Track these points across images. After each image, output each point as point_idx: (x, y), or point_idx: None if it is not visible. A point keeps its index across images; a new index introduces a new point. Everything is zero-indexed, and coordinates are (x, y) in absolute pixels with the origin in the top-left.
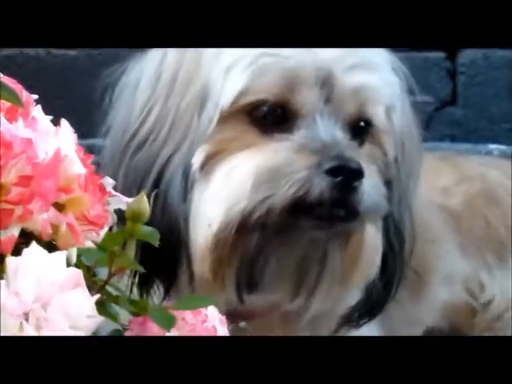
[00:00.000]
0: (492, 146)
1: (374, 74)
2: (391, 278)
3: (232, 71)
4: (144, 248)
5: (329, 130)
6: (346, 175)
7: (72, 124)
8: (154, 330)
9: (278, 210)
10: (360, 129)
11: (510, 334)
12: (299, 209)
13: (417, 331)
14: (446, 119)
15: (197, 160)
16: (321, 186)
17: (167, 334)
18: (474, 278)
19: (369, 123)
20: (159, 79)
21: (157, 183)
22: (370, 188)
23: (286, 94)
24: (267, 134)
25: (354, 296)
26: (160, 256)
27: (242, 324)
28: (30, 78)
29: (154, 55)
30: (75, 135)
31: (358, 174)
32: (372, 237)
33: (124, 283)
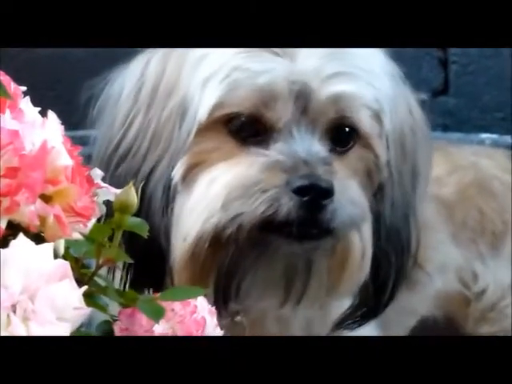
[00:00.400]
0: (484, 136)
1: (354, 81)
2: (384, 283)
3: (208, 84)
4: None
5: (305, 143)
6: (314, 194)
7: (63, 115)
8: (143, 321)
9: (248, 228)
10: (345, 134)
11: (504, 324)
12: (269, 227)
13: (411, 321)
14: (438, 109)
15: (177, 172)
16: (288, 205)
17: (157, 334)
18: (467, 267)
19: (355, 129)
20: (141, 90)
21: (140, 196)
22: (345, 202)
23: (259, 108)
24: (245, 146)
25: (346, 301)
26: (145, 267)
27: (238, 318)
28: (22, 68)
29: (136, 66)
30: (63, 126)
31: (327, 192)
32: (357, 243)
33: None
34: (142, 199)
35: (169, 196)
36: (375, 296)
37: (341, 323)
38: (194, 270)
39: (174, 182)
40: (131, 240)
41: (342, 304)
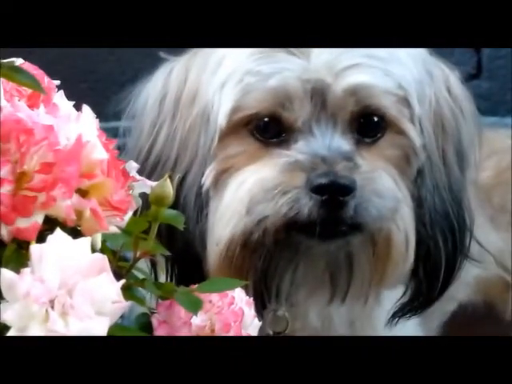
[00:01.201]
0: None
1: (369, 71)
2: (436, 268)
3: (224, 89)
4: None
5: (326, 140)
6: (333, 192)
7: (96, 107)
8: (181, 313)
9: (273, 231)
10: (372, 124)
11: None
12: (294, 228)
13: (451, 306)
14: (472, 93)
15: (207, 179)
16: (309, 205)
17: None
18: (506, 251)
19: (381, 116)
20: (165, 100)
21: (174, 203)
22: (370, 196)
23: (276, 109)
24: (268, 148)
25: (396, 292)
26: (183, 272)
27: (280, 312)
28: (55, 61)
29: (159, 77)
30: (97, 120)
31: (346, 189)
32: (397, 232)
33: None
34: (175, 206)
35: (202, 202)
36: (428, 282)
37: (396, 314)
38: (230, 274)
39: (204, 188)
40: (169, 247)
41: (386, 303)
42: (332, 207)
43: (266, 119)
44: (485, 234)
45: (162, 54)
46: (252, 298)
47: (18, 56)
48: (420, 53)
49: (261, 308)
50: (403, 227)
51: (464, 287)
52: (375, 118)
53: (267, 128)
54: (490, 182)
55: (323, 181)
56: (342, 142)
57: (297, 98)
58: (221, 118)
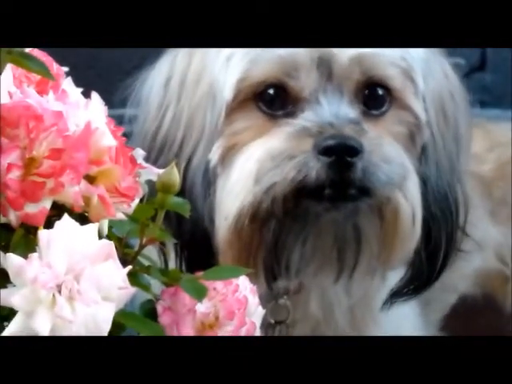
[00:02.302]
0: None
1: None
2: (436, 250)
3: (230, 62)
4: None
5: (333, 108)
6: (341, 153)
7: (102, 94)
8: (186, 300)
9: (282, 198)
10: (378, 95)
11: None
12: (302, 193)
13: (451, 298)
14: (476, 85)
15: (214, 156)
16: (317, 168)
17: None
18: (506, 244)
19: (386, 88)
20: (170, 82)
21: (181, 184)
22: (378, 160)
23: (282, 78)
24: (275, 120)
25: (397, 272)
26: (193, 251)
27: (282, 301)
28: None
29: (164, 62)
30: (106, 107)
31: (353, 150)
32: (405, 204)
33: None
34: (183, 186)
35: (209, 180)
36: (428, 263)
37: (394, 295)
38: (239, 248)
39: (212, 165)
40: (178, 226)
41: (388, 283)
42: (340, 168)
43: (271, 90)
44: (484, 228)
45: None
46: (262, 272)
47: None
48: None
49: (271, 281)
50: (410, 199)
51: (464, 279)
52: (380, 91)
53: (274, 99)
54: (491, 174)
55: (330, 142)
56: (349, 111)
57: (303, 66)
58: (227, 92)
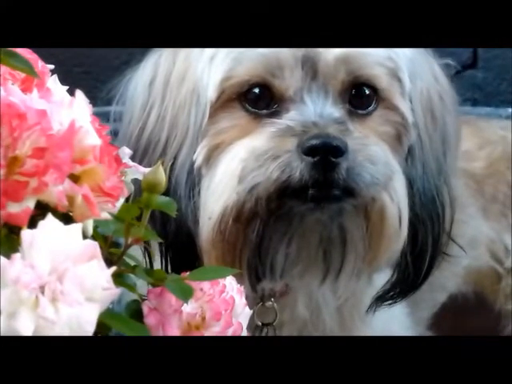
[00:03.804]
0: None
1: None
2: (422, 253)
3: (214, 61)
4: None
5: (318, 107)
6: (325, 153)
7: (90, 91)
8: (172, 300)
9: (265, 198)
10: (364, 95)
11: None
12: (286, 194)
13: (441, 297)
14: (467, 83)
15: (199, 156)
16: (300, 167)
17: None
18: (498, 242)
19: (373, 88)
20: (154, 82)
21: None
22: (363, 160)
23: (267, 77)
24: (259, 119)
25: (384, 275)
26: (178, 251)
27: (269, 304)
28: None
29: (149, 62)
30: (91, 105)
31: (337, 150)
32: (390, 205)
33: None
34: (167, 187)
35: (194, 180)
36: (414, 266)
37: (380, 299)
38: (223, 248)
39: (196, 165)
40: (163, 227)
41: (375, 284)
42: (324, 168)
43: (256, 90)
44: (476, 225)
45: None
46: (246, 273)
47: None
48: None
49: (255, 282)
50: (396, 200)
51: (454, 277)
52: (366, 91)
53: (258, 99)
54: (482, 172)
55: (315, 142)
56: (334, 110)
57: (287, 65)
58: (211, 91)
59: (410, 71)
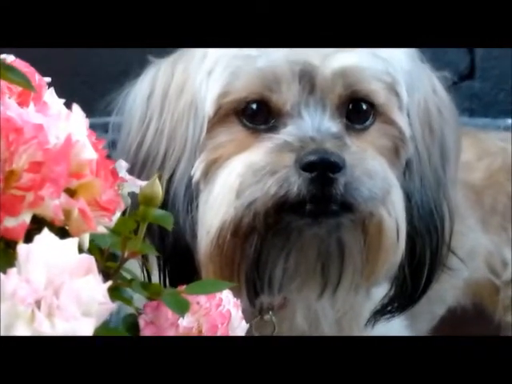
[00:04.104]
0: (511, 121)
1: (357, 53)
2: (421, 265)
3: (211, 76)
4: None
5: (315, 122)
6: (322, 168)
7: (88, 101)
8: (169, 314)
9: (263, 213)
10: (361, 110)
11: None
12: (284, 209)
13: (440, 310)
14: (465, 93)
15: (197, 170)
16: (298, 183)
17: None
18: (496, 254)
19: (370, 103)
20: (152, 95)
21: (164, 197)
22: (360, 175)
23: (264, 92)
24: (257, 134)
25: (382, 288)
26: (176, 266)
27: (267, 317)
28: (48, 54)
29: (147, 75)
30: (87, 120)
31: (335, 165)
32: (388, 218)
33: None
34: (165, 200)
35: (192, 194)
36: (412, 280)
37: (378, 313)
38: (221, 262)
39: (195, 180)
40: (161, 241)
41: (374, 297)
42: (322, 184)
43: (254, 105)
44: (475, 237)
45: (151, 58)
46: (244, 287)
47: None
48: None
49: (254, 297)
50: (394, 214)
51: (453, 290)
52: (364, 106)
53: (256, 114)
54: (482, 183)
55: (312, 158)
56: (332, 125)
57: (285, 79)
58: (208, 105)
59: (407, 84)
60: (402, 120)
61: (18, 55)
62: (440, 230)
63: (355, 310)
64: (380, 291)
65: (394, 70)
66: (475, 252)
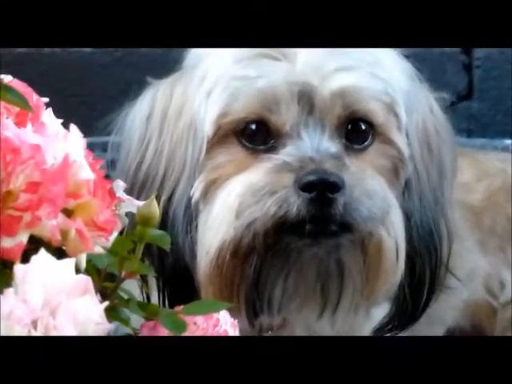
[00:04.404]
0: (509, 141)
1: (356, 74)
2: (420, 285)
3: (210, 97)
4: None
5: (314, 142)
6: (322, 189)
7: (87, 121)
8: (166, 334)
9: (263, 233)
10: (360, 130)
11: None
12: (284, 229)
13: (438, 331)
14: (462, 113)
15: (197, 191)
16: (298, 203)
17: None
18: (494, 276)
19: (369, 123)
20: (151, 116)
21: (163, 218)
22: (360, 195)
23: (263, 113)
24: (256, 155)
25: (382, 308)
26: (175, 286)
27: (269, 333)
28: (46, 74)
29: (146, 96)
30: (85, 140)
31: (334, 186)
32: (388, 238)
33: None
34: (165, 221)
35: (191, 215)
36: (412, 299)
37: (378, 332)
38: (220, 283)
39: (194, 200)
40: (160, 262)
41: (374, 317)
42: (321, 204)
43: (253, 125)
44: (473, 259)
45: (149, 79)
46: (244, 308)
47: (10, 67)
48: (406, 66)
49: (253, 317)
50: (393, 234)
51: (452, 311)
52: (363, 126)
53: (255, 134)
54: (480, 204)
55: (312, 178)
56: (331, 145)
57: (284, 100)
58: (208, 126)
59: (406, 105)
60: (400, 140)
61: (16, 75)
62: (439, 250)
63: (354, 330)
64: (380, 311)
65: (393, 91)
66: (474, 273)
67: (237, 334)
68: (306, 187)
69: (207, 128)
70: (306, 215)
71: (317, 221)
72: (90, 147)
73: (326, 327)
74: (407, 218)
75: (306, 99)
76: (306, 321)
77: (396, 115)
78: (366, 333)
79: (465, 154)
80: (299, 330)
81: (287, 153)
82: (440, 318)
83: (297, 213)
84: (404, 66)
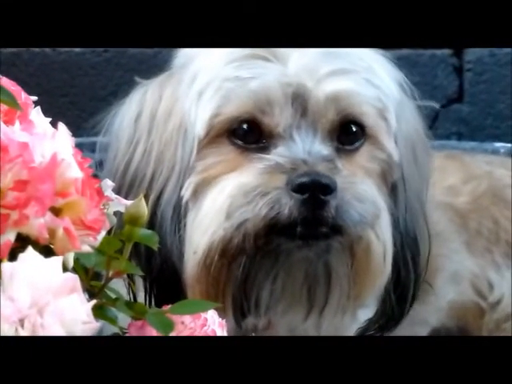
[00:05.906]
0: (498, 145)
1: (351, 78)
2: (405, 289)
3: (202, 98)
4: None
5: (306, 145)
6: (314, 191)
7: (76, 121)
8: (153, 334)
9: (253, 234)
10: (351, 132)
11: None
12: (275, 231)
13: (422, 332)
14: (453, 116)
15: (187, 191)
16: (289, 205)
17: None
18: (482, 277)
19: (360, 124)
20: (140, 117)
21: (151, 219)
22: (351, 198)
23: (256, 114)
24: (247, 155)
25: (368, 310)
26: (163, 286)
27: (252, 335)
28: (36, 74)
29: (135, 96)
30: (73, 138)
31: (327, 188)
32: (376, 242)
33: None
34: (153, 222)
35: (180, 215)
36: (397, 303)
37: (363, 333)
38: (207, 283)
39: (184, 200)
40: (148, 262)
41: (359, 319)
42: (313, 206)
43: (245, 125)
44: (459, 259)
45: (138, 80)
46: (231, 308)
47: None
48: (397, 75)
49: (240, 318)
50: (382, 238)
51: (437, 312)
52: (354, 127)
53: (247, 134)
54: (467, 207)
55: (304, 179)
56: (323, 148)
57: (277, 102)
58: (199, 127)
59: (396, 112)
60: (390, 145)
61: (5, 75)
62: (422, 256)
63: (340, 332)
64: (365, 313)
65: (386, 98)
66: (459, 275)
67: (224, 334)
68: (298, 189)
69: (199, 129)
70: (298, 217)
71: (308, 223)
72: (79, 148)
73: (310, 329)
74: (393, 223)
75: (300, 101)
76: (291, 323)
77: (386, 121)
78: (352, 332)
79: (452, 156)
80: (283, 332)
81: (279, 154)
82: (424, 319)
83: (288, 214)
84: (396, 75)
